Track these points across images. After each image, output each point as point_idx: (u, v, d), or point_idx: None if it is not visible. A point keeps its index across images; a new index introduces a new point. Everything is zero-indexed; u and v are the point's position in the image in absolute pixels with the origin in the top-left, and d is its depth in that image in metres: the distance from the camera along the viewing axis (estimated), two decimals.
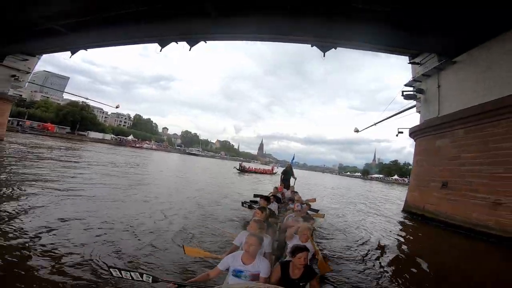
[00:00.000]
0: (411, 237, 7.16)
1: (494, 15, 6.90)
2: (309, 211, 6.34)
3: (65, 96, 75.39)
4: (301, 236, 3.29)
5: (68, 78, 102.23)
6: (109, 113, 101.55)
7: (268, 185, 16.63)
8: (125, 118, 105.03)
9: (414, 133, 10.93)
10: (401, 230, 8.14)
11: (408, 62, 11.68)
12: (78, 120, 62.32)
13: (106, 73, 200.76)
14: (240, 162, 40.80)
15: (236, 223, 6.31)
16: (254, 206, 6.97)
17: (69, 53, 15.63)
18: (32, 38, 14.05)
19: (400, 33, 9.20)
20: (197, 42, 12.21)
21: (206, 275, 2.44)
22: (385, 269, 4.33)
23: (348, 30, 9.36)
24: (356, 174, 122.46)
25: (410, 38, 9.40)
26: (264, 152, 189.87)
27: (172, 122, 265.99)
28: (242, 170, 33.10)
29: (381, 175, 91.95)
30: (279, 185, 10.00)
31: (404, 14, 8.28)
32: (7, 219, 4.30)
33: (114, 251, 3.73)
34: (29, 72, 18.78)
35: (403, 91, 10.75)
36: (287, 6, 8.88)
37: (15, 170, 8.99)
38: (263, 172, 37.58)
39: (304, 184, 18.10)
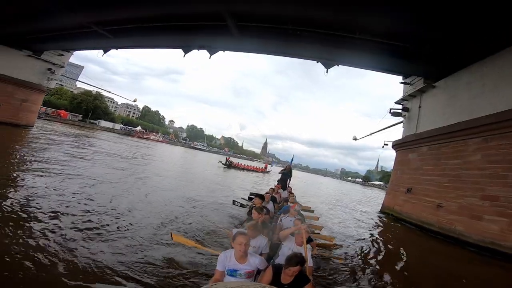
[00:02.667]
0: (375, 233, 8.48)
1: (467, 47, 7.96)
2: (303, 212, 6.47)
3: (78, 84, 77.67)
4: (297, 238, 3.23)
5: (83, 67, 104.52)
6: (119, 103, 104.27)
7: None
8: (134, 109, 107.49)
9: (396, 145, 12.63)
10: (372, 227, 9.74)
11: (400, 82, 13.35)
12: (91, 109, 64.74)
13: (119, 64, 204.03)
14: (227, 157, 37.01)
15: (230, 220, 6.44)
16: (245, 204, 7.21)
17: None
18: (75, 38, 15.68)
19: (394, 60, 10.36)
20: (216, 51, 14.01)
21: (215, 280, 2.41)
22: (355, 264, 4.89)
23: (349, 55, 10.85)
24: (357, 180, 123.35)
25: (402, 63, 10.58)
26: (267, 152, 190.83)
27: (178, 115, 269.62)
28: (229, 165, 30.22)
29: (381, 183, 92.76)
30: (276, 185, 10.08)
31: (397, 46, 9.80)
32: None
33: (99, 239, 3.85)
34: (63, 66, 20.82)
35: (391, 109, 12.47)
36: (299, 33, 10.58)
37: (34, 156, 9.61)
38: (254, 170, 34.61)
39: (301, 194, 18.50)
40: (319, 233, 6.12)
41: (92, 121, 64.15)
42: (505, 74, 7.05)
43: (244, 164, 36.15)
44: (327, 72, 12.70)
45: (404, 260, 5.63)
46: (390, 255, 6.08)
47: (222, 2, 8.86)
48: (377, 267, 4.99)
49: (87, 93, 65.95)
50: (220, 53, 14.10)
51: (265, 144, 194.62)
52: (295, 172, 12.38)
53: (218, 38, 12.14)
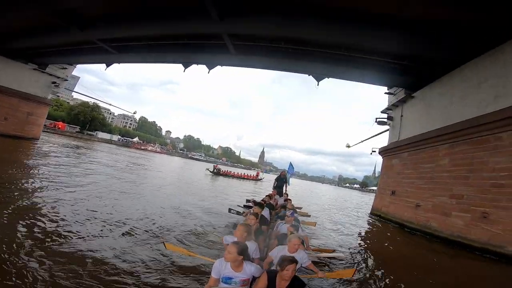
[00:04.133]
0: (364, 231, 9.52)
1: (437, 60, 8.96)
2: (300, 218, 6.35)
3: (74, 95, 77.83)
4: (290, 246, 3.16)
5: (79, 78, 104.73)
6: (115, 114, 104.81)
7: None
8: (131, 120, 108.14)
9: (382, 152, 13.54)
10: (361, 226, 10.56)
11: (384, 92, 14.44)
12: (89, 120, 65.32)
13: (115, 74, 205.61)
14: (215, 164, 34.76)
15: (226, 229, 6.25)
16: (241, 212, 7.15)
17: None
18: (80, 53, 16.44)
19: (376, 73, 11.30)
20: (214, 67, 15.00)
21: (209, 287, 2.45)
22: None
23: (337, 70, 11.97)
24: (355, 186, 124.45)
25: (384, 76, 11.43)
26: (265, 161, 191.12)
27: (175, 125, 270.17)
28: (217, 173, 29.06)
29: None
30: (272, 191, 10.05)
31: (379, 60, 10.59)
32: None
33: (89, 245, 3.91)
34: (66, 80, 21.66)
35: (376, 118, 13.49)
36: (291, 51, 11.63)
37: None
38: (245, 177, 32.97)
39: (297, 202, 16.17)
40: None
41: (89, 132, 64.68)
42: (469, 86, 8.05)
43: (234, 172, 34.33)
44: (318, 84, 13.64)
45: (382, 254, 6.43)
46: (374, 251, 6.70)
47: (222, 26, 9.83)
48: (364, 261, 5.56)
49: (85, 104, 66.58)
50: (218, 67, 15.15)
51: (262, 153, 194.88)
52: (291, 180, 12.23)
53: (217, 56, 13.12)
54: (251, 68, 15.47)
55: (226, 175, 30.76)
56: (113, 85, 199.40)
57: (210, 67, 14.87)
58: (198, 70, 16.65)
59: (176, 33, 11.94)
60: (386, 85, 13.49)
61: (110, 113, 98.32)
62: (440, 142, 8.61)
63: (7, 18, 12.87)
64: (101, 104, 61.85)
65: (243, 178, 32.38)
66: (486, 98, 7.31)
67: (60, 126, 56.95)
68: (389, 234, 9.14)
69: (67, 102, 73.72)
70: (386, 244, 7.31)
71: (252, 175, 35.38)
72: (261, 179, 34.81)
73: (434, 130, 8.99)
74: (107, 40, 13.71)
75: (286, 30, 9.66)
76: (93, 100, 55.88)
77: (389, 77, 11.62)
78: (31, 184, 6.90)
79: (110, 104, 35.34)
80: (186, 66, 15.41)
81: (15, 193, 5.80)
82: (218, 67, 14.94)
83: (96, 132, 66.55)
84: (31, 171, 8.93)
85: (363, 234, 8.98)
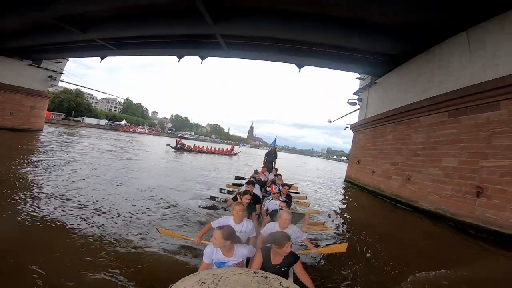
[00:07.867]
0: (337, 194, 12.09)
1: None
2: (290, 193, 6.37)
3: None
4: (280, 222, 3.14)
5: None
6: (98, 98, 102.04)
7: None
8: (115, 103, 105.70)
9: (352, 128, 16.17)
10: (336, 190, 13.40)
11: (356, 77, 16.80)
12: (73, 107, 64.48)
13: (93, 58, 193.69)
14: (177, 138, 30.21)
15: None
16: (231, 191, 7.18)
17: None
18: (78, 49, 17.43)
19: (347, 64, 13.23)
20: (206, 57, 16.71)
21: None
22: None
23: (315, 60, 13.93)
24: (342, 158, 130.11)
25: (354, 65, 13.37)
26: (254, 136, 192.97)
27: (161, 106, 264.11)
28: (180, 149, 25.62)
29: None
30: (262, 167, 9.69)
31: (347, 54, 12.92)
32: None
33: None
34: (62, 73, 22.47)
35: (348, 99, 15.98)
36: (275, 46, 13.52)
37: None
38: (217, 152, 29.01)
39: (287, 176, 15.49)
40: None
41: (75, 118, 64.05)
42: (412, 78, 10.26)
43: (203, 147, 29.80)
44: (299, 71, 15.73)
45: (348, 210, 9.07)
46: (346, 208, 9.00)
47: (215, 28, 11.52)
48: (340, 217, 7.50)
49: (67, 91, 65.19)
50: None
51: (251, 128, 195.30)
52: (281, 154, 14.21)
53: (210, 50, 14.81)
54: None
55: (193, 150, 27.18)
56: (90, 68, 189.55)
57: (203, 58, 16.50)
58: (191, 59, 18.11)
59: (173, 34, 13.49)
60: (357, 72, 15.77)
61: (93, 98, 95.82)
62: (388, 121, 11.17)
63: (13, 19, 13.67)
64: (84, 90, 61.10)
65: (215, 153, 28.50)
66: (420, 89, 9.48)
67: (46, 115, 55.95)
68: (349, 192, 11.79)
69: (48, 90, 71.07)
70: (354, 204, 9.91)
71: (225, 150, 31.19)
72: (236, 153, 31.43)
73: (385, 112, 11.52)
74: (107, 39, 14.97)
75: (271, 31, 11.48)
76: (76, 87, 54.98)
77: (358, 66, 13.66)
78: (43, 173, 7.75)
79: (104, 92, 35.52)
80: (180, 57, 16.90)
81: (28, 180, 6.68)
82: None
83: (82, 118, 65.95)
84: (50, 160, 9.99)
85: (336, 196, 11.47)
